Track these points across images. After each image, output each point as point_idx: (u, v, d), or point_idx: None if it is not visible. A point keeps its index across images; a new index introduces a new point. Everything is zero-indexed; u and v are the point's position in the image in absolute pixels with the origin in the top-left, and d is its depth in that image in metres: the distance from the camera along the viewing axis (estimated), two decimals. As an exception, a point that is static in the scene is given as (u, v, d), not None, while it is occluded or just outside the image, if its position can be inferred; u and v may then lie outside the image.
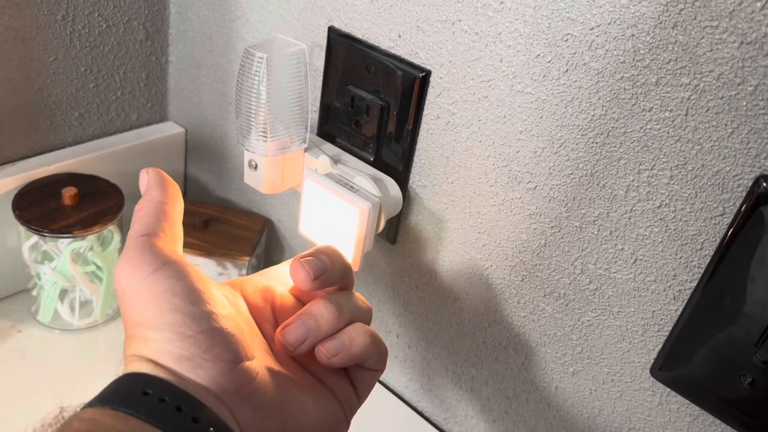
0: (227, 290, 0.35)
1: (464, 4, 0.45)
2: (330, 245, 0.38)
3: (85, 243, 0.60)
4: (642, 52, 0.38)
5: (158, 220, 0.32)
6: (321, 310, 0.36)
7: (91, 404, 0.27)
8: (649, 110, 0.39)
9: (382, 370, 0.38)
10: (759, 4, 0.34)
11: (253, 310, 0.36)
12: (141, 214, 0.32)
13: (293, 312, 0.37)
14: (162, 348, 0.28)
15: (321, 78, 0.55)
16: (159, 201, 0.33)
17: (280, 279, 0.40)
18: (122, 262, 0.31)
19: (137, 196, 0.34)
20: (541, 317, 0.49)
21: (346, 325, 0.36)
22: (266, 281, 0.38)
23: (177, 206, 0.34)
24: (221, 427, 0.27)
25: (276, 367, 0.34)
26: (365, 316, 0.38)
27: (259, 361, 0.32)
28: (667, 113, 0.39)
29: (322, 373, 0.36)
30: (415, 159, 0.52)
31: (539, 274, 0.48)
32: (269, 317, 0.37)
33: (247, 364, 0.31)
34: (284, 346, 0.35)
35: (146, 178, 0.34)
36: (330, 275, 0.36)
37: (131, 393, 0.27)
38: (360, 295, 0.39)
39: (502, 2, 0.43)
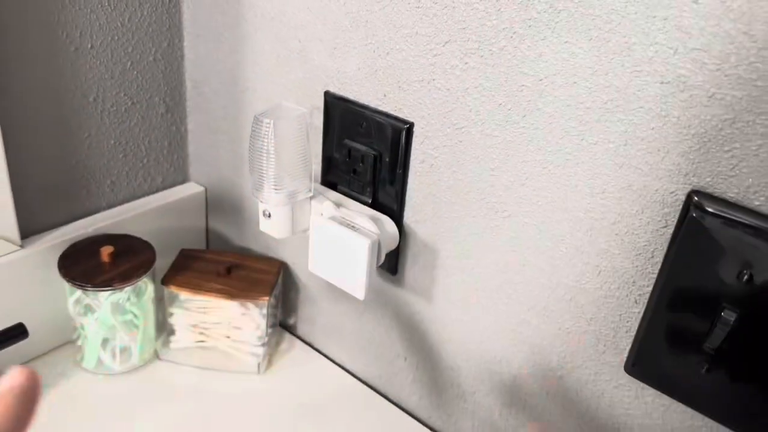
0: None
1: (436, 66, 0.53)
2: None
3: (123, 294, 0.68)
4: (584, 95, 0.46)
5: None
6: None
7: None
8: (595, 143, 0.46)
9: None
10: (671, 51, 0.41)
11: None
12: None
13: None
14: None
15: (321, 135, 0.63)
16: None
17: None
18: None
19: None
20: (527, 329, 0.56)
21: None
22: None
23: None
24: None
25: None
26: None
27: None
28: (610, 144, 0.46)
29: None
30: (407, 198, 0.60)
31: (522, 289, 0.55)
32: None
33: None
34: None
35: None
36: None
37: None
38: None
39: (466, 63, 0.51)
